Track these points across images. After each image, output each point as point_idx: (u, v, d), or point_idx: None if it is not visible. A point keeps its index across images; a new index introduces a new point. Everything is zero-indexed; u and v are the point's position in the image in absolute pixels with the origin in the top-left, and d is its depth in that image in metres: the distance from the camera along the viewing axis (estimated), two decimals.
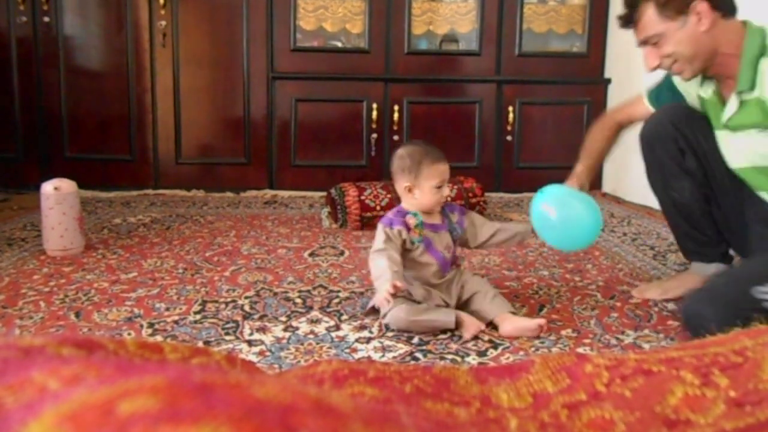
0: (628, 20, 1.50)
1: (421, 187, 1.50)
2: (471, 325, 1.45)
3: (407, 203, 1.55)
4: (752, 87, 1.41)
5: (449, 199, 1.66)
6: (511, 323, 1.47)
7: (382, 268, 1.43)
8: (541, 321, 1.46)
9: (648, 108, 1.74)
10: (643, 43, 1.49)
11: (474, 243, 1.63)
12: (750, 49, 1.41)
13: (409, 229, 1.51)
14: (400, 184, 1.53)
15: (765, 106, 1.40)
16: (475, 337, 1.43)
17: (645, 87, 1.79)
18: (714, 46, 1.43)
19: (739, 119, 1.49)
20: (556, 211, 1.52)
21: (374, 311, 1.56)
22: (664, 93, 1.71)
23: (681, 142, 1.64)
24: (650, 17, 1.44)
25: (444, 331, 1.48)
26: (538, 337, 1.47)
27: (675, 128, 1.64)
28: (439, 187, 1.51)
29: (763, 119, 1.44)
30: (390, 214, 1.54)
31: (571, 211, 1.52)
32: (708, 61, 1.46)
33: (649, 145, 1.70)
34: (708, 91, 1.56)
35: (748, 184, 1.58)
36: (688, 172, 1.65)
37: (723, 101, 1.53)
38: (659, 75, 1.70)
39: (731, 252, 1.72)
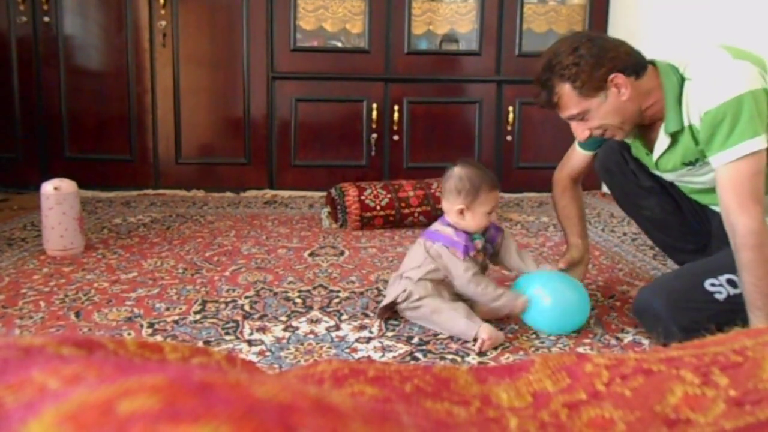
0: (548, 102, 1.44)
1: (474, 211, 1.51)
2: (485, 338, 1.41)
3: (453, 221, 1.54)
4: (681, 123, 1.40)
5: None
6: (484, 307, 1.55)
7: (492, 289, 1.48)
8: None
9: (582, 154, 1.73)
10: (568, 119, 1.46)
11: (496, 261, 1.66)
12: (670, 89, 1.39)
13: (476, 251, 1.54)
14: (453, 205, 1.52)
15: (694, 130, 1.39)
16: (474, 339, 1.42)
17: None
18: (638, 106, 1.41)
19: (667, 162, 1.49)
20: (550, 297, 1.46)
21: (386, 311, 1.57)
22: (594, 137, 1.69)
23: (631, 164, 1.67)
24: (569, 98, 1.40)
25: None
26: (537, 337, 1.47)
27: (623, 150, 1.67)
28: (489, 213, 1.52)
29: (684, 155, 1.43)
30: (456, 237, 1.51)
31: (566, 301, 1.47)
32: (637, 120, 1.44)
33: (606, 171, 1.72)
34: (630, 136, 1.55)
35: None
36: (648, 189, 1.68)
37: (649, 142, 1.52)
38: None
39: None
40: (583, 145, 1.71)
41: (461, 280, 1.49)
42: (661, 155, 1.48)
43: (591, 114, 1.41)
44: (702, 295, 1.34)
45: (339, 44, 3.49)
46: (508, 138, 3.53)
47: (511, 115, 3.51)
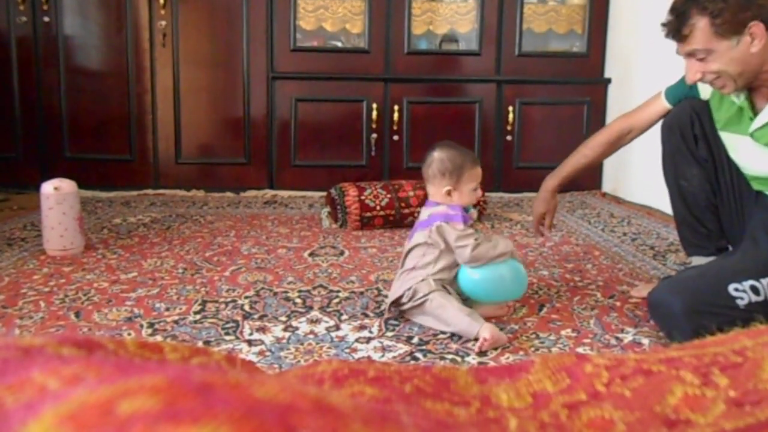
0: (676, 31, 1.40)
1: (460, 190, 1.55)
2: (486, 338, 1.41)
3: (442, 202, 1.57)
4: None
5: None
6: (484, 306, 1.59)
7: (492, 242, 1.53)
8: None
9: (666, 105, 1.72)
10: (687, 55, 1.43)
11: None
12: None
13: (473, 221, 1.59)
14: (440, 187, 1.56)
15: None
16: (475, 339, 1.42)
17: (662, 86, 1.77)
18: (760, 65, 1.39)
19: (763, 135, 1.46)
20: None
21: (393, 307, 1.56)
22: (685, 92, 1.68)
23: (696, 128, 1.64)
24: (702, 32, 1.37)
25: (444, 331, 1.49)
26: (537, 337, 1.47)
27: (694, 113, 1.64)
28: (476, 189, 1.57)
29: None
30: (451, 211, 1.54)
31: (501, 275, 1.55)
32: (751, 79, 1.42)
33: (669, 128, 1.70)
34: (740, 96, 1.52)
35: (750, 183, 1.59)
36: (699, 160, 1.66)
37: (754, 108, 1.49)
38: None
39: (730, 248, 1.73)
40: (671, 97, 1.70)
41: (467, 248, 1.49)
42: (761, 126, 1.45)
43: (714, 56, 1.39)
44: (724, 300, 1.31)
45: (339, 44, 3.49)
46: (508, 138, 3.53)
47: (511, 115, 3.51)
